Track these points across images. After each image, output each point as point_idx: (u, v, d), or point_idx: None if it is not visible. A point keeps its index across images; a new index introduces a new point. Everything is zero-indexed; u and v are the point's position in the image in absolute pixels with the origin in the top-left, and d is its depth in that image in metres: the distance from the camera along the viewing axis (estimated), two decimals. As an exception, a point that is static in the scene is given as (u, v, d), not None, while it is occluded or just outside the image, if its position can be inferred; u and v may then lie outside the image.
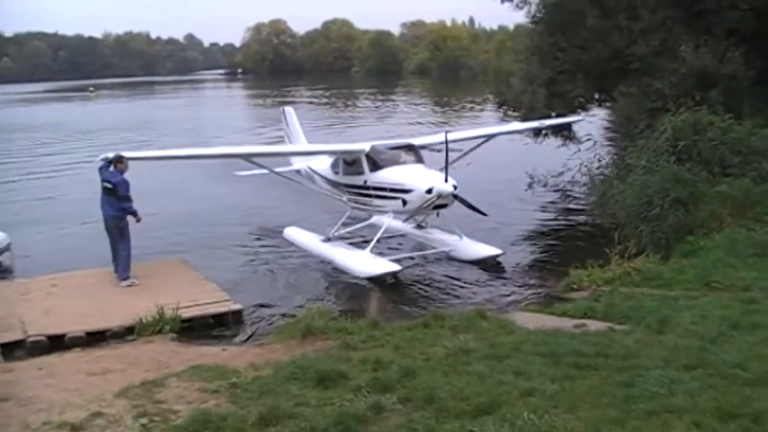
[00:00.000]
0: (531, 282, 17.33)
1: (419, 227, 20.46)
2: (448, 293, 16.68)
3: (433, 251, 19.22)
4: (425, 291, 16.92)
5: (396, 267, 17.34)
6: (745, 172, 17.91)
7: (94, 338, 12.93)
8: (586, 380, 8.09)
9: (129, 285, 15.78)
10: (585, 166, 26.01)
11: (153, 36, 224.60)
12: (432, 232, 20.19)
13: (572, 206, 25.37)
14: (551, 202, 25.86)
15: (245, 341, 13.29)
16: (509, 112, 29.75)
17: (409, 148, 19.34)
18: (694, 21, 22.85)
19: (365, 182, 18.75)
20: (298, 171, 22.63)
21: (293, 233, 20.76)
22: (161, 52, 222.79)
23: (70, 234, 22.08)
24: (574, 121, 26.25)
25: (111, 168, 16.01)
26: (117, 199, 15.74)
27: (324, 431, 6.88)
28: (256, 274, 18.27)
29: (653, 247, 16.32)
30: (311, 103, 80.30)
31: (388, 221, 18.49)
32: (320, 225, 21.26)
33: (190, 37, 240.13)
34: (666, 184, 17.11)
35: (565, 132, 27.48)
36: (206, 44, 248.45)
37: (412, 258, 18.88)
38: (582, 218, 23.52)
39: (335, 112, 66.17)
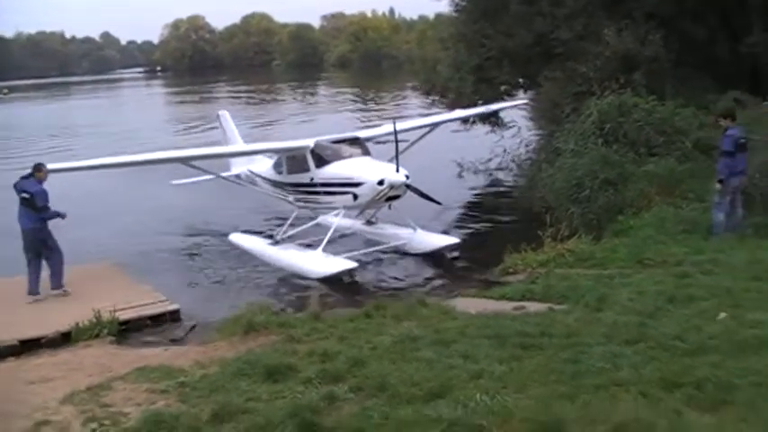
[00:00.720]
0: (467, 268, 17.43)
1: (369, 222, 19.90)
2: (384, 283, 16.82)
3: (387, 245, 18.71)
4: (362, 283, 16.93)
5: (351, 264, 16.77)
6: (670, 151, 18.30)
7: (28, 347, 12.63)
8: (533, 359, 8.23)
9: (62, 294, 15.17)
10: (512, 152, 26.50)
11: (67, 35, 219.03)
12: (383, 227, 19.65)
13: (502, 191, 25.68)
14: (481, 189, 26.13)
15: (186, 334, 13.25)
16: (437, 100, 29.98)
17: (354, 140, 18.91)
18: (615, 5, 23.22)
19: (312, 179, 18.20)
20: (237, 176, 21.88)
21: (238, 238, 19.92)
22: (76, 51, 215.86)
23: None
24: (517, 105, 26.31)
25: (30, 178, 15.11)
26: (35, 210, 14.83)
27: (279, 424, 6.85)
28: (193, 275, 18.04)
29: (584, 228, 16.62)
30: (234, 98, 79.67)
31: (337, 220, 17.88)
32: (260, 226, 21.29)
33: (106, 35, 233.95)
34: (595, 166, 17.46)
35: (492, 119, 27.77)
36: (123, 42, 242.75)
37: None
38: (512, 203, 23.74)
39: (262, 110, 64.49)
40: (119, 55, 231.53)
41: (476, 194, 25.36)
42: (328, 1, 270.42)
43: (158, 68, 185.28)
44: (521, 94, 29.13)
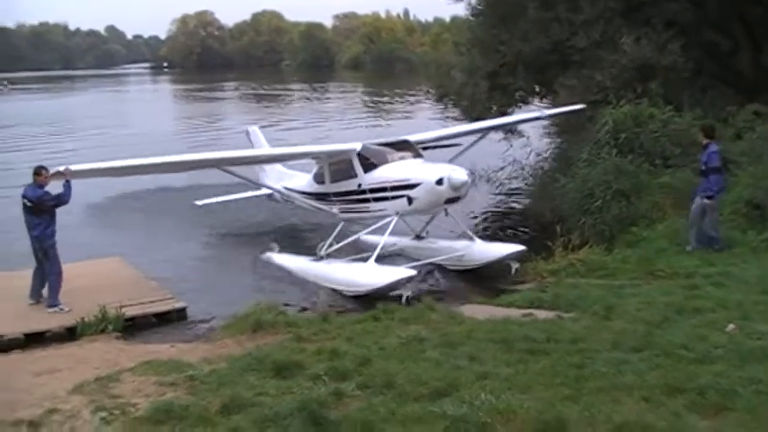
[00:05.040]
0: (476, 276, 17.15)
1: (418, 238, 18.31)
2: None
3: (441, 258, 17.29)
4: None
5: (409, 272, 15.29)
6: (686, 163, 18.11)
7: (33, 340, 12.76)
8: (539, 363, 8.34)
9: (57, 312, 13.97)
10: (525, 160, 26.41)
11: (72, 28, 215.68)
12: (435, 241, 18.09)
13: (513, 200, 25.67)
14: (493, 198, 25.92)
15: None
16: (450, 105, 29.99)
17: (404, 143, 17.55)
18: (633, 13, 23.10)
19: (359, 185, 16.91)
20: (269, 196, 21.12)
21: (276, 257, 18.05)
22: (80, 45, 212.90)
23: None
24: (574, 111, 23.50)
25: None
26: (39, 215, 13.80)
27: (288, 416, 6.95)
28: (197, 273, 17.82)
29: (596, 239, 16.65)
30: (244, 98, 79.56)
31: (384, 237, 16.41)
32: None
33: (111, 29, 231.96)
34: (608, 176, 17.44)
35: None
36: (129, 36, 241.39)
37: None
38: (524, 212, 23.80)
39: (274, 113, 61.81)
40: (124, 50, 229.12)
41: (487, 203, 25.11)
42: (341, 0, 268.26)
43: (165, 64, 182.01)
44: (536, 101, 29.07)
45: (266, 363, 8.98)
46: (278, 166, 21.11)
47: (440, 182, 15.50)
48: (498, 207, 24.94)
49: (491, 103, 26.18)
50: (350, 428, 6.73)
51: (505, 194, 26.36)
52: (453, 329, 10.66)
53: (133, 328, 13.53)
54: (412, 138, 18.37)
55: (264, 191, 21.24)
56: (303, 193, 19.13)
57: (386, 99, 72.42)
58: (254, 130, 23.35)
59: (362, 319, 12.08)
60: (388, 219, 16.43)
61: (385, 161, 16.75)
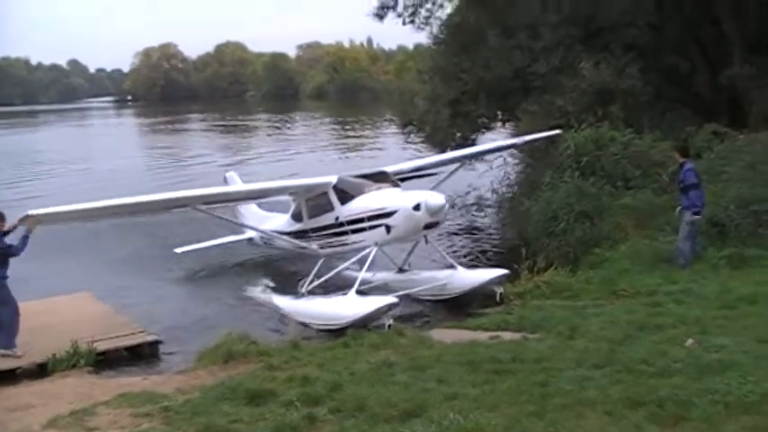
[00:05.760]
0: (444, 300, 17.14)
1: (401, 271, 18.07)
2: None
3: (424, 288, 16.97)
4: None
5: (391, 300, 14.98)
6: (647, 184, 18.60)
7: (3, 377, 12.64)
8: (505, 383, 8.57)
9: (7, 355, 13.38)
10: (491, 186, 26.68)
11: (33, 62, 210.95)
12: (418, 273, 17.83)
13: (480, 225, 25.84)
14: (459, 223, 25.94)
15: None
16: (413, 133, 30.27)
17: (381, 174, 17.44)
18: (593, 38, 23.74)
19: (337, 218, 16.70)
20: (250, 240, 21.03)
21: (258, 295, 17.97)
22: (43, 79, 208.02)
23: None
24: (552, 136, 22.82)
25: None
26: None
27: (262, 443, 7.11)
28: (168, 306, 17.73)
29: (561, 261, 16.84)
30: (209, 131, 79.23)
31: (362, 273, 16.10)
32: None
33: (74, 63, 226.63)
34: (571, 198, 17.73)
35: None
36: (92, 70, 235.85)
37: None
38: (490, 236, 24.03)
39: (239, 147, 60.89)
40: (87, 84, 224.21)
41: (452, 228, 24.99)
42: (304, 28, 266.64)
43: (129, 98, 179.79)
44: (499, 127, 29.40)
45: (239, 391, 9.13)
46: (254, 208, 20.94)
47: (417, 207, 15.39)
48: (466, 232, 25.08)
49: (454, 130, 26.50)
50: (323, 452, 6.91)
51: (472, 219, 26.51)
52: (422, 353, 10.89)
53: (105, 362, 13.48)
54: (389, 169, 18.25)
55: (245, 235, 21.08)
56: (282, 233, 18.78)
57: (354, 129, 72.30)
58: (232, 175, 22.63)
59: (333, 346, 12.27)
60: (368, 250, 16.19)
61: (361, 192, 16.55)
